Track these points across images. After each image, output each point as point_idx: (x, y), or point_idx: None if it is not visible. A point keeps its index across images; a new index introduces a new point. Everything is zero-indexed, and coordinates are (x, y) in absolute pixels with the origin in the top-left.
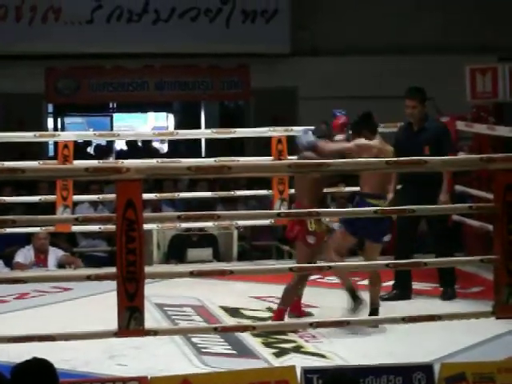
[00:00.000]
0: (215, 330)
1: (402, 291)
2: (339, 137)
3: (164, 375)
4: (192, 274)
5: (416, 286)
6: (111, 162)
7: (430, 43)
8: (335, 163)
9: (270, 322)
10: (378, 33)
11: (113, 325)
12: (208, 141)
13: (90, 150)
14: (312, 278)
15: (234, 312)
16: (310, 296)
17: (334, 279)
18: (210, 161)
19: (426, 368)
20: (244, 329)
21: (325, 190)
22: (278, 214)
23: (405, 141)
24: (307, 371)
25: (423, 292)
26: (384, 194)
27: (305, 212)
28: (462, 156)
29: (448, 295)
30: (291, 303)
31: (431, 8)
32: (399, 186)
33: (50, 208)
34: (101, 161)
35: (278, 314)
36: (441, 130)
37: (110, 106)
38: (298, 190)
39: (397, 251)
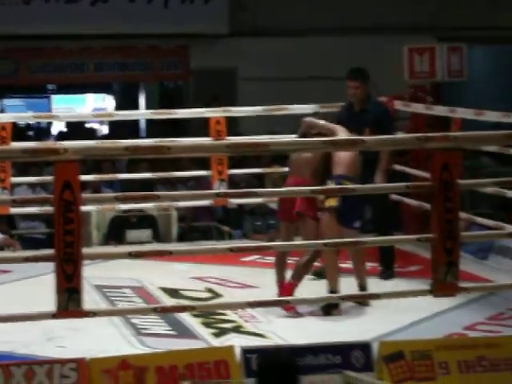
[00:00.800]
0: (154, 310)
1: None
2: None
3: (102, 356)
4: (130, 255)
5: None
6: (49, 143)
7: (367, 24)
8: (274, 143)
9: (209, 303)
10: (316, 14)
11: (52, 306)
12: (148, 122)
13: (32, 133)
14: (251, 258)
15: (173, 293)
16: (249, 276)
17: (272, 259)
18: (150, 141)
19: (364, 346)
20: (183, 309)
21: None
22: (217, 194)
23: (347, 121)
24: (246, 351)
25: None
26: (356, 177)
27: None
28: (399, 135)
29: (386, 274)
30: (302, 279)
31: None
32: None
33: None
34: (39, 142)
35: (287, 289)
36: (382, 111)
37: (50, 87)
38: (300, 167)
39: None
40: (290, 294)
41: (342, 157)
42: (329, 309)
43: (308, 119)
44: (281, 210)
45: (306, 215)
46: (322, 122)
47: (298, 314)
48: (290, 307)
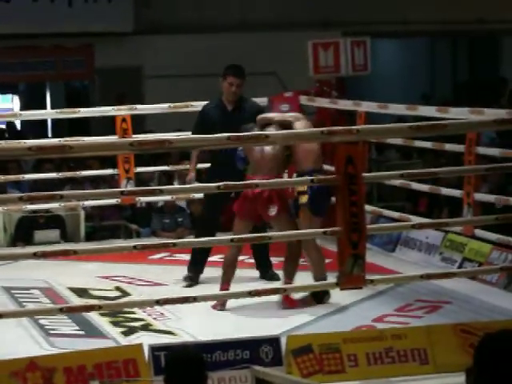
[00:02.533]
0: (61, 310)
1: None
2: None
3: (10, 358)
4: (35, 256)
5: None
6: None
7: (274, 20)
8: (179, 140)
9: (116, 301)
10: (222, 10)
11: None
12: (54, 122)
13: None
14: (160, 256)
15: (81, 292)
16: (158, 274)
17: (183, 256)
18: (55, 141)
19: (273, 341)
20: (90, 308)
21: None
22: (122, 193)
23: (220, 120)
24: (154, 349)
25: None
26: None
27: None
28: (304, 130)
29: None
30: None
31: None
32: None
33: None
34: None
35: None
36: (257, 108)
37: None
38: (267, 165)
39: (202, 231)
40: (293, 301)
41: (309, 150)
42: (321, 297)
43: (260, 117)
44: (243, 209)
45: (282, 215)
46: (275, 114)
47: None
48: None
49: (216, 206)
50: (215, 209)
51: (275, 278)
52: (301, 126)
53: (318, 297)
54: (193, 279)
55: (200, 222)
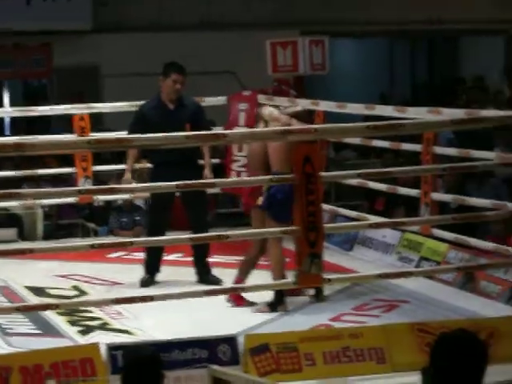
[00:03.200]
0: (17, 309)
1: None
2: None
3: None
4: None
5: (220, 259)
6: None
7: (233, 19)
8: (137, 139)
9: (73, 300)
10: (181, 9)
11: None
12: (12, 120)
13: None
14: (117, 254)
15: (38, 291)
16: (115, 273)
17: (141, 255)
18: (11, 139)
19: (230, 340)
20: (47, 307)
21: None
22: (79, 191)
23: (161, 120)
24: (111, 348)
25: (229, 265)
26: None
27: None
28: (262, 129)
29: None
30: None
31: None
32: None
33: None
34: None
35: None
36: (198, 106)
37: None
38: (252, 161)
39: (152, 231)
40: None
41: (276, 152)
42: (275, 305)
43: (268, 113)
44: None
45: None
46: (282, 116)
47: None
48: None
49: (163, 205)
50: (163, 209)
51: (214, 281)
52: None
53: (272, 305)
54: (149, 278)
55: (149, 222)
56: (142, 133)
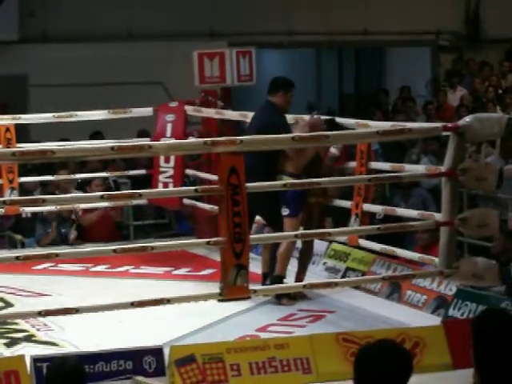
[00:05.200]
0: None
1: None
2: None
3: None
4: None
5: (147, 270)
6: None
7: (161, 30)
8: (61, 150)
9: None
10: (108, 20)
11: None
12: None
13: None
14: (44, 266)
15: None
16: (42, 284)
17: (68, 267)
18: None
19: (156, 351)
20: None
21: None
22: (4, 202)
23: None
24: (36, 360)
25: (154, 276)
26: None
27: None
28: (187, 141)
29: None
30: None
31: None
32: None
33: None
34: None
35: None
36: None
37: None
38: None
39: None
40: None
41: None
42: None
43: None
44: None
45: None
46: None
47: None
48: None
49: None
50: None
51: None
52: None
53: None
54: None
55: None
56: None
